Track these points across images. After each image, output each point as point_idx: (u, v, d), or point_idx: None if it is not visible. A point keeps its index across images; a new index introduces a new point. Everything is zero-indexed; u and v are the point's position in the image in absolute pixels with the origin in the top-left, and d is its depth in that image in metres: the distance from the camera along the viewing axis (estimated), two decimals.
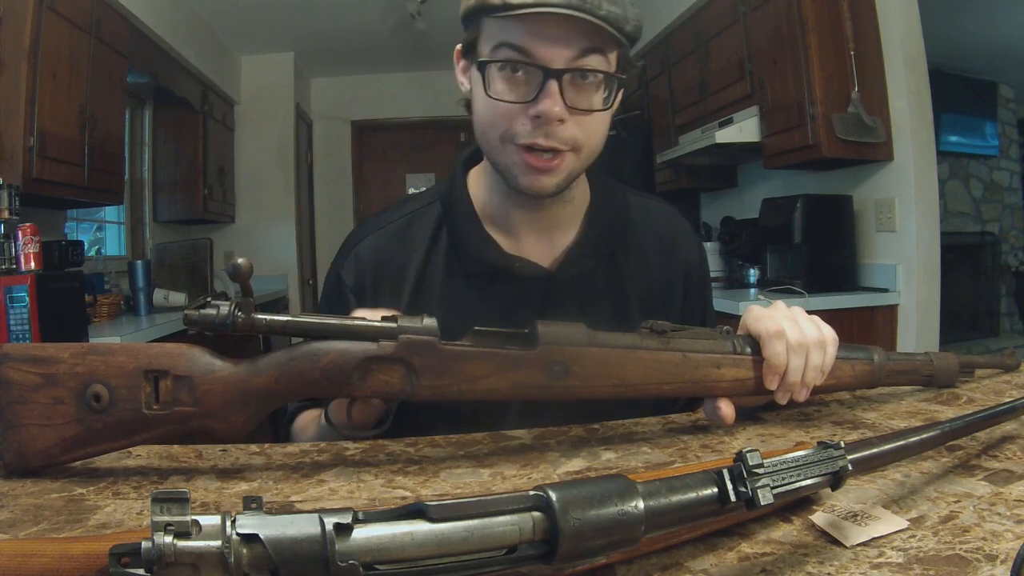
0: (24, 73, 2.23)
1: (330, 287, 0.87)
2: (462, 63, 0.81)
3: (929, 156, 2.55)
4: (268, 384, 0.56)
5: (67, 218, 3.08)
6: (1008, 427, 0.63)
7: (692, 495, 0.36)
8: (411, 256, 0.84)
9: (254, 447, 0.67)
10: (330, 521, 0.28)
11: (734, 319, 0.73)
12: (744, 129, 2.87)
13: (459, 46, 0.80)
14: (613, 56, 0.74)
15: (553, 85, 0.70)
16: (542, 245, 0.84)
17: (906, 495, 0.51)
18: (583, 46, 0.70)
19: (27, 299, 1.87)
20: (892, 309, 2.55)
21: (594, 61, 0.71)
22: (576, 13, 0.67)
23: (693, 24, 3.35)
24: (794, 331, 0.67)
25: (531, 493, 0.32)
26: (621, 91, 0.76)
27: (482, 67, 0.72)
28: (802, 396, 0.69)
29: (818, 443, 0.42)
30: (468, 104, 0.80)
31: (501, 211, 0.84)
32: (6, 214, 2.05)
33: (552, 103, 0.70)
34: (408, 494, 0.55)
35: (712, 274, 1.00)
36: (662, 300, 0.88)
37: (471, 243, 0.83)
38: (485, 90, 0.72)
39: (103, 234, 3.71)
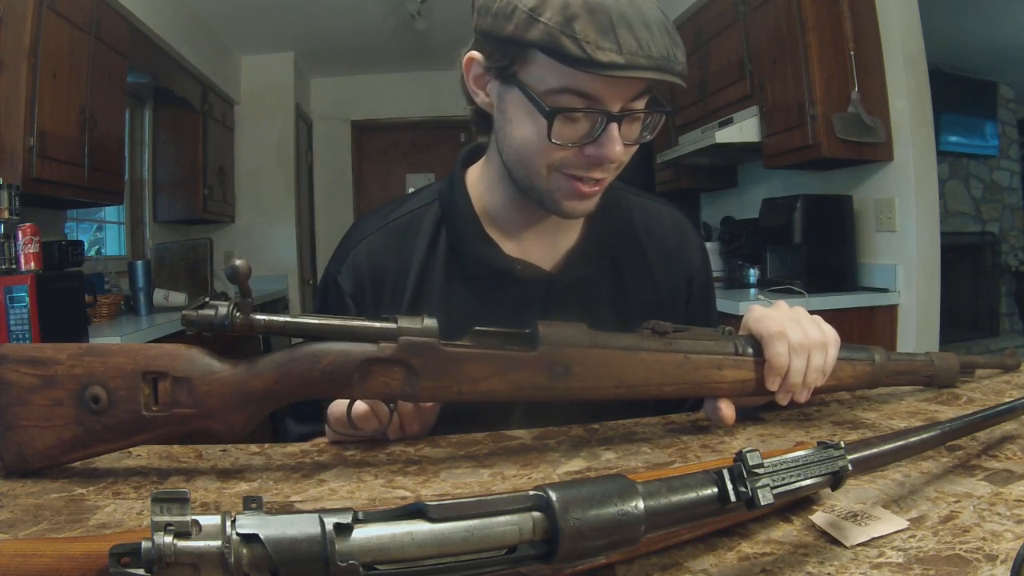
0: (24, 73, 2.23)
1: (327, 292, 0.84)
2: (478, 72, 0.74)
3: (929, 156, 2.55)
4: (268, 385, 0.56)
5: (67, 218, 3.08)
6: (1008, 427, 0.63)
7: (692, 495, 0.36)
8: (410, 260, 0.82)
9: (254, 447, 0.67)
10: (330, 521, 0.28)
11: (734, 319, 0.73)
12: (744, 129, 2.87)
13: (474, 55, 0.73)
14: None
15: (615, 128, 0.68)
16: (544, 247, 0.83)
17: (906, 495, 0.51)
18: (640, 88, 0.69)
19: (27, 299, 1.87)
20: (892, 309, 2.55)
21: (646, 98, 0.70)
22: (663, 76, 0.65)
23: (693, 24, 3.35)
24: (796, 332, 0.67)
25: (531, 493, 0.32)
26: (663, 118, 0.74)
27: (550, 115, 0.67)
28: (803, 397, 0.69)
29: (818, 443, 0.42)
30: (477, 111, 0.78)
31: (502, 212, 0.82)
32: (6, 214, 2.05)
33: (615, 145, 0.69)
34: (408, 494, 0.55)
35: (712, 274, 1.00)
36: (665, 304, 0.87)
37: (471, 245, 0.81)
38: (548, 136, 0.68)
39: (103, 234, 3.71)
